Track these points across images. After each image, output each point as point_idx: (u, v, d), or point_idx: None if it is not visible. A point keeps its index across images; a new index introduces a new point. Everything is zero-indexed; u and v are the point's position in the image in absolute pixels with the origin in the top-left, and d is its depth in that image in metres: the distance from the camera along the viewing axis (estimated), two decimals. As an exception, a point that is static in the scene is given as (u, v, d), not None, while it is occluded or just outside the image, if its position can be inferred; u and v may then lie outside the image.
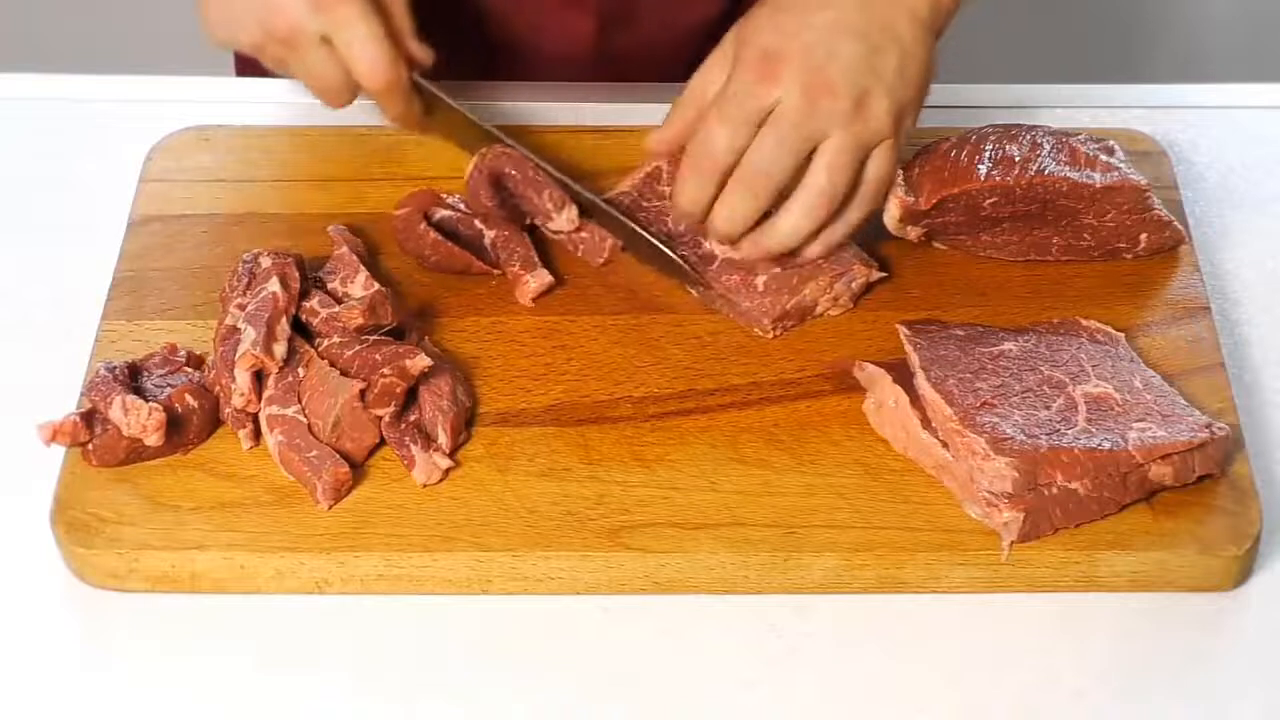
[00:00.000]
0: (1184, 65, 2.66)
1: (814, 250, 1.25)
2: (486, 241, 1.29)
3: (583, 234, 1.30)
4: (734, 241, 1.25)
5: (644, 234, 1.29)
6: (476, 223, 1.30)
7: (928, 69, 1.25)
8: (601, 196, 1.31)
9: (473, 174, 1.31)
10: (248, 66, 1.58)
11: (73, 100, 1.45)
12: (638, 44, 1.52)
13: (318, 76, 1.29)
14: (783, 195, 1.23)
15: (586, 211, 1.30)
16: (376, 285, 1.24)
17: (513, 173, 1.30)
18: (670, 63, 1.53)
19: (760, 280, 1.26)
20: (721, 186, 1.23)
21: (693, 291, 1.28)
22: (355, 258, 1.26)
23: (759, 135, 1.22)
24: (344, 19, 1.26)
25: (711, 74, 1.26)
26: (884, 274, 1.27)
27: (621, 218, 1.29)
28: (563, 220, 1.29)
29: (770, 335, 1.25)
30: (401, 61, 1.29)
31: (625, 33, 1.51)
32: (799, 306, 1.26)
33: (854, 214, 1.25)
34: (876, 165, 1.24)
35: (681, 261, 1.27)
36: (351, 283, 1.25)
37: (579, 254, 1.31)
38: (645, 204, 1.32)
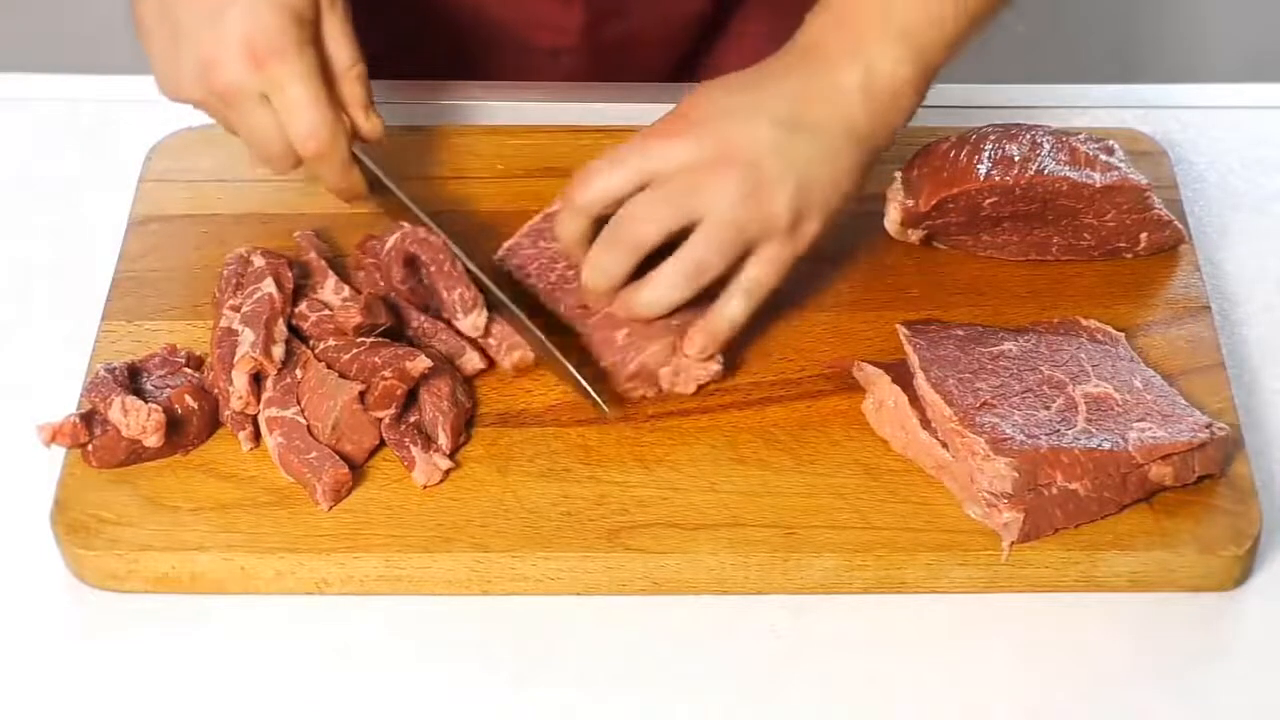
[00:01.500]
0: (1184, 65, 2.66)
1: (696, 343, 1.20)
2: (409, 331, 1.23)
3: (490, 339, 1.23)
4: (601, 298, 1.21)
5: (554, 353, 1.21)
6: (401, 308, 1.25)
7: (848, 181, 1.19)
8: (506, 271, 1.26)
9: (389, 252, 1.24)
10: None
11: (73, 100, 1.45)
12: (627, 36, 1.51)
13: (256, 138, 1.23)
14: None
15: (496, 309, 1.23)
16: (347, 289, 1.23)
17: (427, 262, 1.23)
18: (660, 56, 1.54)
19: (620, 334, 1.22)
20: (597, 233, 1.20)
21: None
22: (324, 262, 1.26)
23: (644, 191, 1.18)
24: (281, 79, 1.20)
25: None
26: (720, 367, 1.21)
27: (533, 329, 1.21)
28: (467, 324, 1.22)
29: (635, 394, 1.21)
30: (342, 131, 1.23)
31: (614, 25, 1.50)
32: (644, 369, 1.21)
33: (734, 307, 1.19)
34: (757, 264, 1.18)
35: (589, 390, 1.19)
36: (321, 288, 1.24)
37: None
38: (541, 245, 1.26)
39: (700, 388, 1.22)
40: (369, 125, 1.26)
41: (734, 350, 1.23)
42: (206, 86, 1.21)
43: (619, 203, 1.19)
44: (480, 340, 1.23)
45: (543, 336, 1.21)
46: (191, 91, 1.23)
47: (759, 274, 1.19)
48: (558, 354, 1.20)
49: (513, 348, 1.22)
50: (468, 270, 1.23)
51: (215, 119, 1.25)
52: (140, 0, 1.23)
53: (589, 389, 1.18)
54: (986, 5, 1.22)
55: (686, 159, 1.17)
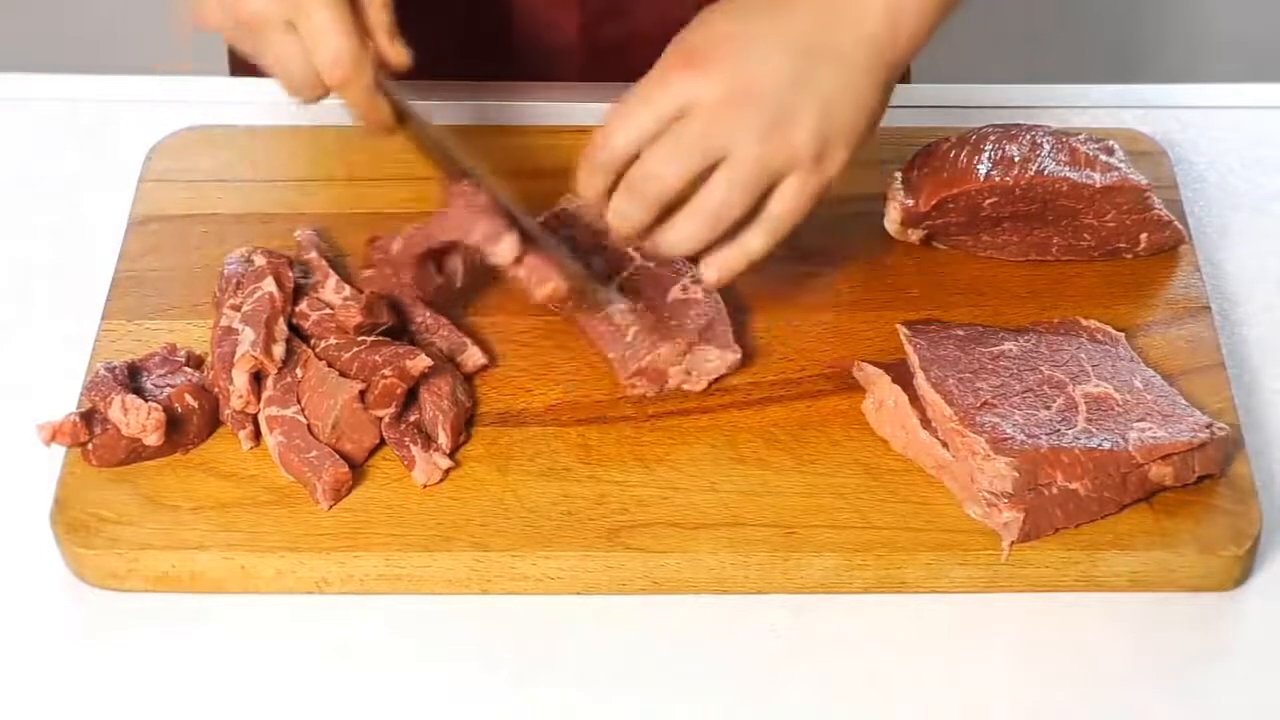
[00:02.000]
0: (1184, 65, 2.66)
1: (709, 275, 1.18)
2: (412, 325, 1.23)
3: (520, 271, 1.19)
4: (629, 241, 1.20)
5: (584, 276, 1.20)
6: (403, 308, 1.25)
7: (872, 104, 1.15)
8: (550, 214, 1.25)
9: (401, 253, 1.23)
10: (241, 66, 1.58)
11: (73, 100, 1.45)
12: (625, 38, 1.51)
13: (282, 66, 1.20)
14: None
15: (532, 241, 1.20)
16: (348, 288, 1.24)
17: (452, 198, 1.21)
18: (658, 57, 1.53)
19: (631, 331, 1.22)
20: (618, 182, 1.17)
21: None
22: (324, 262, 1.26)
23: (658, 140, 1.14)
24: (306, 4, 1.17)
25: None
26: (738, 356, 1.21)
27: (567, 256, 1.20)
28: (501, 251, 1.18)
29: (634, 391, 1.21)
30: (367, 57, 1.19)
31: (612, 26, 1.50)
32: (653, 368, 1.21)
33: (754, 243, 1.16)
34: (784, 197, 1.15)
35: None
36: (322, 287, 1.24)
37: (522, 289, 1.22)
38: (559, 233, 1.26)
39: (711, 383, 1.22)
40: (395, 53, 1.23)
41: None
42: (232, 14, 1.19)
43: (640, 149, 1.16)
44: (511, 270, 1.19)
45: (574, 262, 1.19)
46: (217, 19, 1.21)
47: (783, 209, 1.16)
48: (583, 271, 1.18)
49: (543, 280, 1.18)
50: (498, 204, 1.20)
51: (240, 48, 1.23)
52: None
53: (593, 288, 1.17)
54: None
55: (702, 97, 1.13)
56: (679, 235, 1.16)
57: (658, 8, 1.49)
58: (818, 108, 1.13)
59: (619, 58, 1.50)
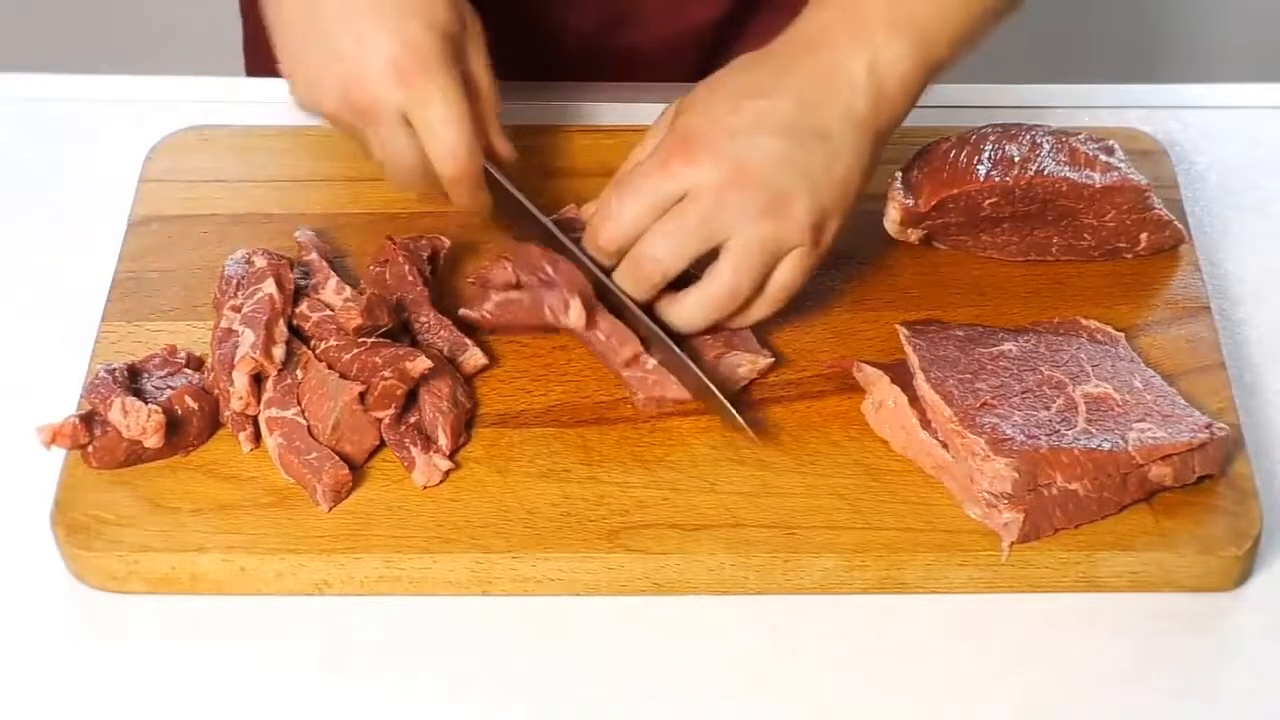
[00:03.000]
0: (1184, 65, 2.66)
1: (689, 328, 1.21)
2: (415, 324, 1.24)
3: (598, 333, 1.21)
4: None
5: (704, 380, 1.18)
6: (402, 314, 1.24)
7: (861, 172, 1.19)
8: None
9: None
10: (259, 69, 1.58)
11: (73, 100, 1.45)
12: (637, 44, 1.51)
13: (392, 155, 1.22)
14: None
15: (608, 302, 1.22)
16: (348, 289, 1.24)
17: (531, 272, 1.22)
18: (672, 63, 1.53)
19: (651, 363, 1.21)
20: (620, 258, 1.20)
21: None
22: (324, 263, 1.26)
23: (660, 221, 1.18)
24: (427, 96, 1.19)
25: (646, 144, 1.23)
26: (771, 360, 1.22)
27: (681, 356, 1.19)
28: (572, 317, 1.20)
29: (648, 411, 1.21)
30: (479, 151, 1.22)
31: (624, 32, 1.50)
32: (664, 397, 1.21)
33: (756, 312, 1.21)
34: (784, 273, 1.19)
35: (735, 415, 1.17)
36: (323, 288, 1.24)
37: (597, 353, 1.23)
38: None
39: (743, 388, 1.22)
40: (504, 147, 1.26)
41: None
42: (346, 102, 1.20)
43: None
44: (587, 334, 1.20)
45: (690, 363, 1.19)
46: (330, 106, 1.22)
47: (784, 280, 1.20)
48: (708, 381, 1.18)
49: (624, 341, 1.20)
50: (594, 281, 1.22)
51: (347, 135, 1.24)
52: (279, 6, 1.22)
53: (736, 414, 1.17)
54: (991, 3, 1.22)
55: (700, 183, 1.17)
56: (686, 316, 1.20)
57: (666, 16, 1.50)
58: (809, 186, 1.17)
59: (630, 65, 1.50)
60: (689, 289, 1.20)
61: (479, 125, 1.23)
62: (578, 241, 1.23)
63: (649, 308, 1.21)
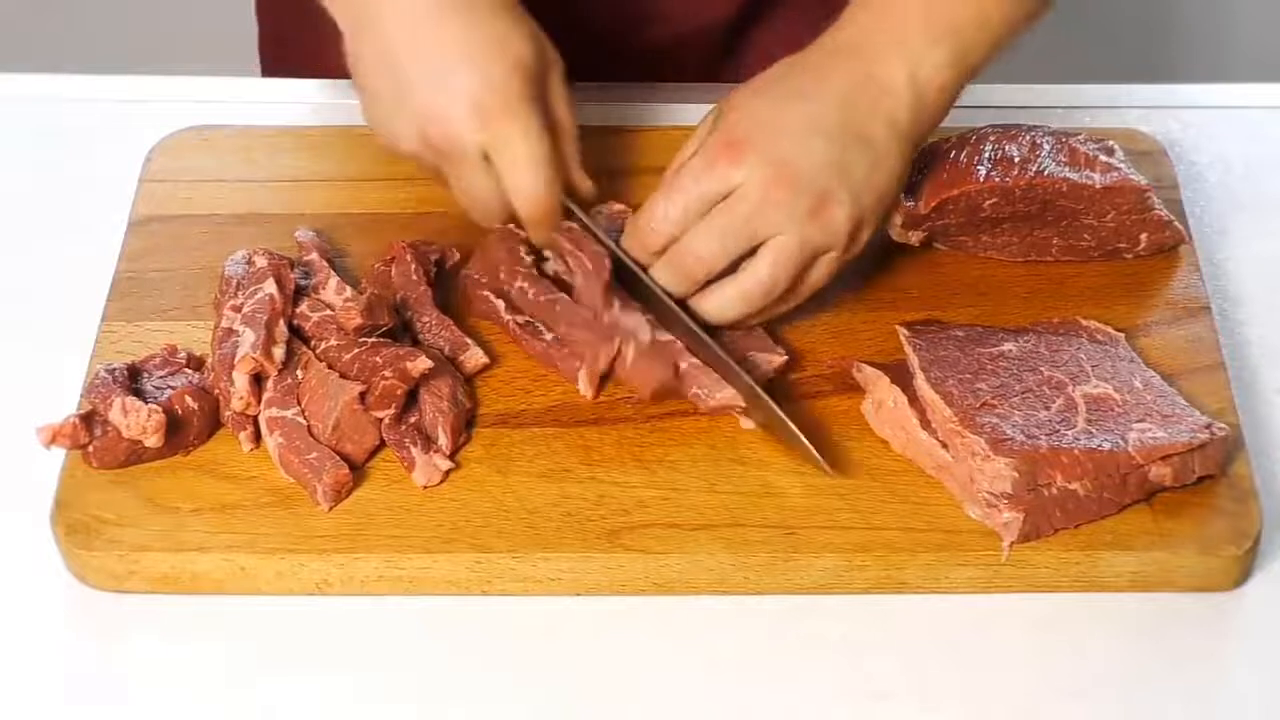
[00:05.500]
0: (1184, 65, 2.66)
1: (720, 319, 1.21)
2: (418, 325, 1.24)
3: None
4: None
5: (784, 419, 1.18)
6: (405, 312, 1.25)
7: (898, 179, 1.21)
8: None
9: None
10: (275, 70, 1.58)
11: (73, 100, 1.45)
12: (654, 41, 1.50)
13: (472, 194, 1.22)
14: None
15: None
16: (349, 289, 1.24)
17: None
18: (689, 62, 1.53)
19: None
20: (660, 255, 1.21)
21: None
22: (325, 263, 1.26)
23: (706, 218, 1.18)
24: (509, 137, 1.18)
25: (689, 147, 1.23)
26: (784, 359, 1.22)
27: (763, 395, 1.18)
28: (724, 398, 1.19)
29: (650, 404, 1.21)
30: (560, 190, 1.21)
31: (642, 30, 1.50)
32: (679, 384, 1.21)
33: (779, 308, 1.22)
34: (816, 274, 1.20)
35: (814, 453, 1.16)
36: (324, 288, 1.24)
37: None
38: None
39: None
40: (585, 186, 1.25)
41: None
42: (426, 140, 1.20)
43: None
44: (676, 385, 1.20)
45: (772, 403, 1.18)
46: (409, 143, 1.21)
47: (815, 281, 1.21)
48: (788, 421, 1.17)
49: (718, 387, 1.19)
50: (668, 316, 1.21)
51: (425, 170, 1.24)
52: (360, 42, 1.21)
53: (815, 453, 1.17)
54: (1028, 6, 1.22)
55: (745, 182, 1.17)
56: (719, 307, 1.20)
57: (681, 14, 1.49)
58: (851, 191, 1.18)
59: (646, 63, 1.49)
60: (724, 282, 1.20)
61: (559, 163, 1.22)
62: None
63: (680, 301, 1.21)
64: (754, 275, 1.19)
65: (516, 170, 1.19)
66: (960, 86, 1.22)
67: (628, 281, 1.22)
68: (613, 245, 1.23)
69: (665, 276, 1.21)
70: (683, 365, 1.20)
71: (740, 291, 1.20)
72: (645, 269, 1.22)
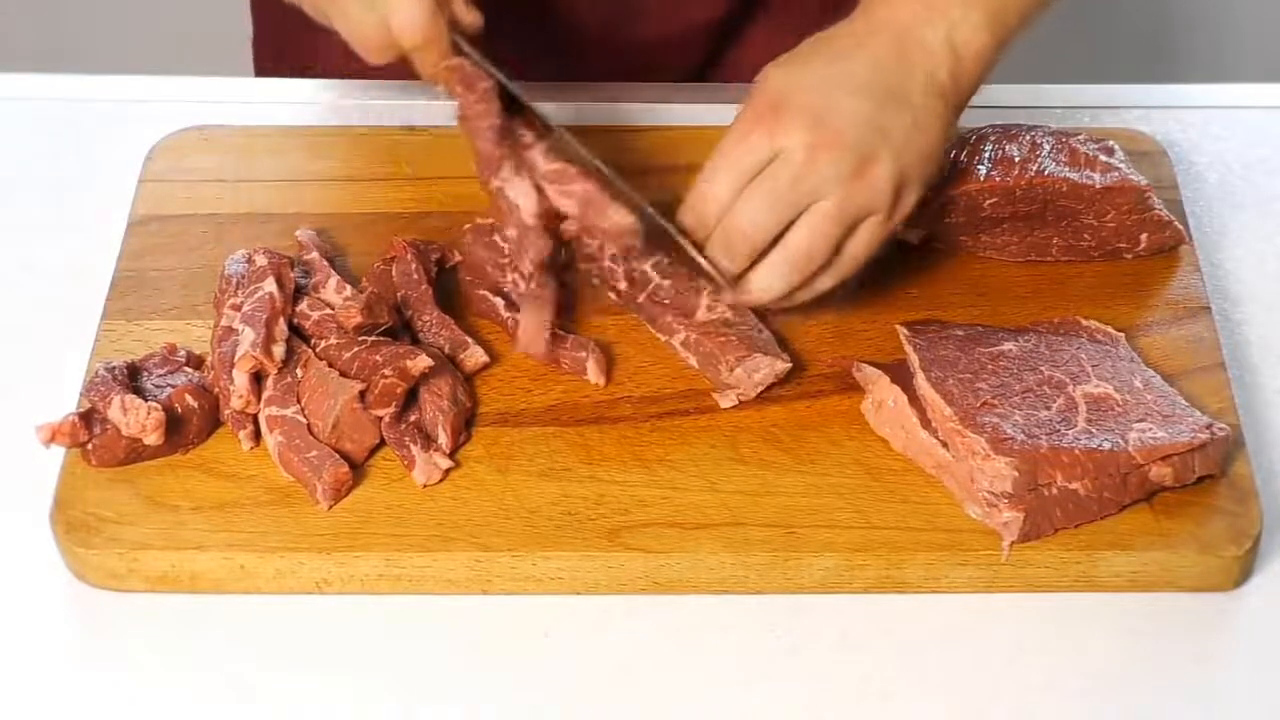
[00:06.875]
0: (1184, 65, 2.66)
1: (761, 298, 1.21)
2: (418, 324, 1.24)
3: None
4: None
5: (676, 235, 1.20)
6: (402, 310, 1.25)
7: (939, 140, 1.19)
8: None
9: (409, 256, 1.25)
10: (267, 71, 1.58)
11: (73, 100, 1.45)
12: (640, 39, 1.51)
13: (355, 28, 1.20)
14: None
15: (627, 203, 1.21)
16: (348, 288, 1.24)
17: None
18: (675, 60, 1.53)
19: (677, 339, 1.23)
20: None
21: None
22: (325, 261, 1.26)
23: (749, 190, 1.17)
24: None
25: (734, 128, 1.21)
26: (788, 365, 1.22)
27: (659, 217, 1.21)
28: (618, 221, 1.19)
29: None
30: (441, 18, 1.19)
31: (628, 27, 1.50)
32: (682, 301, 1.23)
33: (823, 282, 1.20)
34: (860, 241, 1.19)
35: (712, 271, 1.19)
36: (323, 287, 1.24)
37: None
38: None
39: (758, 391, 1.22)
40: (469, 18, 1.23)
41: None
42: None
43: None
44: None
45: (666, 223, 1.19)
46: None
47: (856, 250, 1.19)
48: (680, 237, 1.18)
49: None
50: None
51: (312, 13, 1.23)
52: None
53: (717, 274, 1.18)
54: None
55: (788, 145, 1.16)
56: (764, 284, 1.19)
57: (673, 12, 1.49)
58: (892, 150, 1.16)
59: (637, 60, 1.49)
60: (770, 253, 1.18)
61: None
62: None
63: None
64: (794, 245, 1.17)
65: (392, 2, 1.18)
66: (997, 51, 1.20)
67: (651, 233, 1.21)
68: (501, 78, 1.22)
69: (720, 251, 1.19)
70: (578, 188, 1.20)
71: (779, 265, 1.18)
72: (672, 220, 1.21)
